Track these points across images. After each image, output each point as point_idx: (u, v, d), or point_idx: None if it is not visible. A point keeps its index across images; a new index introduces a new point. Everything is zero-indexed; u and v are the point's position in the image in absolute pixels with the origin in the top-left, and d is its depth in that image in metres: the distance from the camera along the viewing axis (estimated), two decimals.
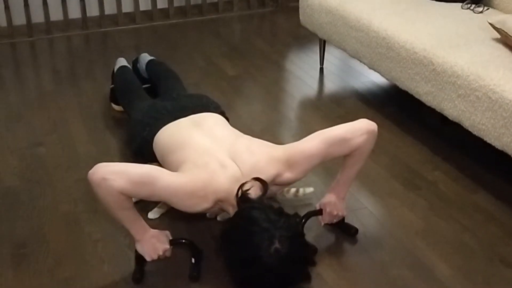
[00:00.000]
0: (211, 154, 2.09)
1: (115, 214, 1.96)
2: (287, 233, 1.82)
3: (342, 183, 2.22)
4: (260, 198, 1.94)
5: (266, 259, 1.78)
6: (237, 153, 2.10)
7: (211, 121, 2.36)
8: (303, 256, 1.88)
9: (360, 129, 2.10)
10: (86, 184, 2.57)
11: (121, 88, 3.05)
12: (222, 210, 2.09)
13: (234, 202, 1.96)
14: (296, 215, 1.97)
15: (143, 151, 2.47)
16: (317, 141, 2.09)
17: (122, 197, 1.89)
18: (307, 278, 1.91)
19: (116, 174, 1.86)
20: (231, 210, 2.00)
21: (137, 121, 2.57)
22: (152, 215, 2.36)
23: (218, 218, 2.34)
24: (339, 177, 2.22)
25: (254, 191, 1.96)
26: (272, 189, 2.08)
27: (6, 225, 2.35)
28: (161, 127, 2.38)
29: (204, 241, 2.22)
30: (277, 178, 2.07)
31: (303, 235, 1.94)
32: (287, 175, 2.08)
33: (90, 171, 1.89)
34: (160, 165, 2.29)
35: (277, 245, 1.78)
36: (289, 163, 2.07)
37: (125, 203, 1.93)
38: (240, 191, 1.95)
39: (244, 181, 1.98)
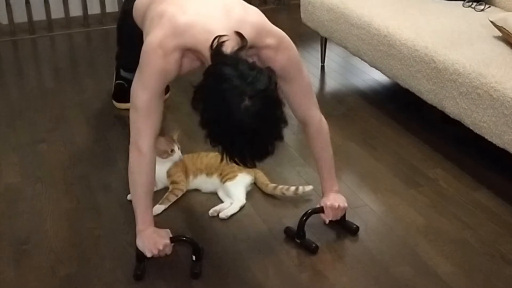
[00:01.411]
0: (176, 3, 2.00)
1: (138, 189, 2.03)
2: (258, 89, 1.74)
3: (327, 178, 2.25)
4: (235, 52, 1.81)
5: (237, 117, 1.72)
6: (231, 8, 1.99)
7: None
8: (274, 113, 1.79)
9: (318, 109, 2.19)
10: (88, 181, 2.59)
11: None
12: (201, 62, 1.97)
13: (207, 52, 1.85)
14: (268, 69, 1.84)
15: (124, 26, 2.44)
16: (305, 71, 2.15)
17: (153, 164, 2.03)
18: (279, 137, 1.82)
19: (139, 128, 1.99)
20: (206, 61, 1.91)
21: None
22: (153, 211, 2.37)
23: (221, 216, 2.34)
24: (321, 174, 2.26)
25: (231, 45, 1.84)
26: (249, 52, 1.92)
27: (7, 221, 2.35)
28: None
29: (205, 238, 2.22)
30: (265, 49, 1.98)
31: (275, 90, 1.82)
32: (273, 53, 1.99)
33: (130, 145, 2.02)
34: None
35: (247, 102, 1.72)
36: (282, 46, 2.02)
37: (151, 180, 2.05)
38: (215, 42, 1.83)
39: (222, 31, 1.87)
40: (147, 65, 1.95)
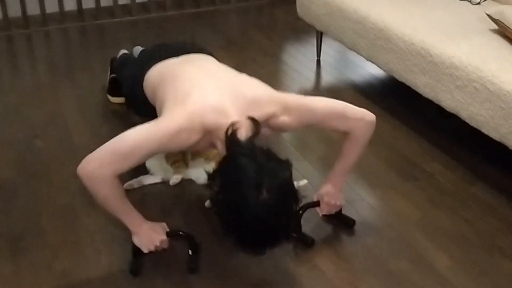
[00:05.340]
0: (197, 85, 2.02)
1: (111, 205, 1.95)
2: (276, 184, 1.76)
3: (339, 173, 2.22)
4: (250, 139, 1.85)
5: (253, 210, 1.73)
6: (234, 85, 2.03)
7: (205, 58, 2.30)
8: (289, 208, 1.82)
9: (361, 113, 2.12)
10: None
11: (121, 61, 3.05)
12: (212, 145, 1.99)
13: (223, 137, 1.88)
14: (287, 161, 1.86)
15: (134, 92, 2.42)
16: (321, 103, 2.09)
17: (115, 183, 1.88)
18: (288, 230, 1.85)
19: (102, 160, 1.86)
20: (220, 145, 1.92)
21: (129, 65, 2.59)
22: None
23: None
24: (335, 167, 2.22)
25: (245, 131, 1.87)
26: (264, 132, 1.97)
27: (3, 218, 2.34)
28: (152, 65, 2.33)
29: (202, 233, 2.22)
30: (271, 119, 2.00)
31: (292, 184, 1.85)
32: (283, 118, 2.01)
33: (79, 167, 1.88)
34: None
35: (264, 194, 1.73)
36: (288, 108, 2.01)
37: (119, 192, 1.93)
38: (229, 130, 1.86)
39: (236, 116, 1.91)
40: (165, 128, 1.90)
